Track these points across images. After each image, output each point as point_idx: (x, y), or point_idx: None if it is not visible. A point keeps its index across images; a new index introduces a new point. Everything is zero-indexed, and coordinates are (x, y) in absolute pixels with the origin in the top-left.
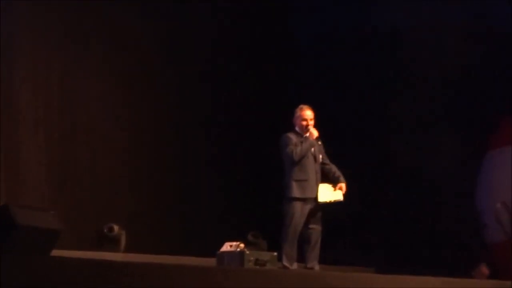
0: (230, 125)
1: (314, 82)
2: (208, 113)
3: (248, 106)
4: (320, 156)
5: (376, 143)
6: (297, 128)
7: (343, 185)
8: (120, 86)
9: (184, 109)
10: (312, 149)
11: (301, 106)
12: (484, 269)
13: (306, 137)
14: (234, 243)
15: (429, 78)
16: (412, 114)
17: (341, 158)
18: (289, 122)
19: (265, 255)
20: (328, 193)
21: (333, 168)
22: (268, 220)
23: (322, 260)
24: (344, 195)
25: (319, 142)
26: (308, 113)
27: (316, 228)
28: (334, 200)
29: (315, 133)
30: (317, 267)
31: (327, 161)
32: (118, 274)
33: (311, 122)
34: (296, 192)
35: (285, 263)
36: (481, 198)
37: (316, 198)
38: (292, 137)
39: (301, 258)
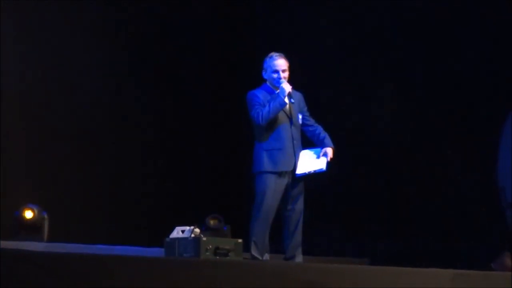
0: (181, 88)
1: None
2: (151, 84)
3: (199, 74)
4: (300, 117)
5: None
6: (268, 83)
7: (328, 150)
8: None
9: (124, 80)
10: (287, 108)
11: (271, 54)
12: (508, 261)
13: (277, 94)
14: (186, 228)
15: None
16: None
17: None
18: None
19: (228, 243)
20: (308, 163)
21: (318, 130)
22: (233, 200)
23: (305, 251)
24: (330, 163)
25: (292, 100)
26: (280, 63)
27: (296, 209)
28: (314, 171)
29: (286, 88)
30: (299, 258)
31: (310, 121)
32: (39, 268)
33: (284, 74)
34: (267, 164)
35: (254, 252)
36: (503, 171)
37: (293, 171)
38: (260, 95)
39: (281, 247)
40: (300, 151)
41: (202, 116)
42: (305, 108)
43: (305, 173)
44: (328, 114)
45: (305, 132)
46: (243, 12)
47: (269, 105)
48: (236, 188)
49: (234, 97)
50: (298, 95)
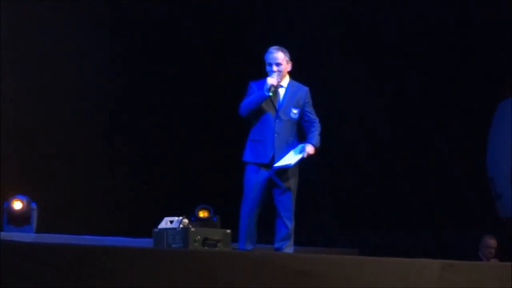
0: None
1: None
2: (143, 76)
3: (193, 68)
4: (294, 111)
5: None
6: None
7: (307, 147)
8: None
9: (115, 72)
10: (278, 101)
11: (270, 47)
12: (491, 241)
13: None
14: (175, 219)
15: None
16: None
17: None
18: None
19: (216, 233)
20: (287, 157)
21: (311, 126)
22: (223, 191)
23: (296, 242)
24: (319, 156)
25: (270, 94)
26: (273, 56)
27: (285, 203)
28: (285, 165)
29: (269, 81)
30: (289, 248)
31: (309, 117)
32: (29, 258)
33: (279, 68)
34: (248, 154)
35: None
36: (492, 162)
37: (272, 164)
38: (255, 86)
39: (272, 238)
40: (284, 145)
41: (192, 109)
42: (308, 104)
43: (277, 166)
44: (324, 109)
45: (302, 127)
46: (243, 11)
47: (250, 98)
48: (227, 178)
49: (226, 90)
50: (301, 91)
